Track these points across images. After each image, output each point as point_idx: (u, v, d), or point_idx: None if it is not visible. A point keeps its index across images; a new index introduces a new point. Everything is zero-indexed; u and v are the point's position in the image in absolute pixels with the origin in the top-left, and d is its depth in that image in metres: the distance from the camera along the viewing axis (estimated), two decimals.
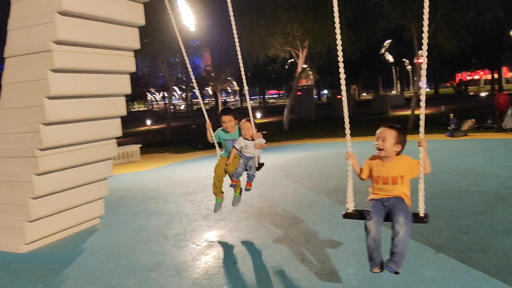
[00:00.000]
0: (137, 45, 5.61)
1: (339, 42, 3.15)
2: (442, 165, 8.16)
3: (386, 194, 2.99)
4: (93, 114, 5.34)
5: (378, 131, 3.07)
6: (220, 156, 4.67)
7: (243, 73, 4.52)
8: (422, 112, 2.97)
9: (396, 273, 2.72)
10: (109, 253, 4.78)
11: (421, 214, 2.90)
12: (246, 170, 4.55)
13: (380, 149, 3.00)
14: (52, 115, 4.74)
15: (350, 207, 3.15)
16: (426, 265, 3.75)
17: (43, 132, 4.73)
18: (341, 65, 3.13)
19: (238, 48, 4.36)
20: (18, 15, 4.79)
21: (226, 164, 4.53)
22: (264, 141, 4.48)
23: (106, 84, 5.38)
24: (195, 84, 4.96)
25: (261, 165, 4.56)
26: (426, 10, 2.87)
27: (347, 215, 3.15)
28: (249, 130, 4.41)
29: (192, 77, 4.94)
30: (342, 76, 3.16)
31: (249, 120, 4.43)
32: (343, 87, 3.18)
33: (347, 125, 3.11)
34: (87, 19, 4.84)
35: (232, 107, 4.86)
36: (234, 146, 4.50)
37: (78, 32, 4.75)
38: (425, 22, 2.91)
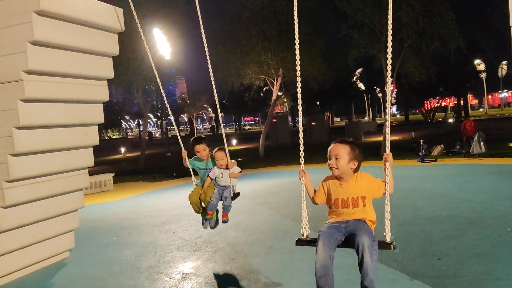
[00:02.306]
0: (110, 74, 5.59)
1: (298, 73, 3.43)
2: (414, 190, 8.33)
3: (345, 217, 2.70)
4: (64, 144, 5.23)
5: (329, 148, 2.79)
6: (195, 185, 4.64)
7: (217, 100, 4.65)
8: (387, 125, 2.84)
9: None
10: (82, 287, 4.58)
11: (388, 240, 2.65)
12: (221, 200, 4.46)
13: (334, 168, 2.72)
14: (21, 145, 4.61)
15: (305, 232, 2.91)
16: None
17: (11, 163, 4.58)
18: (299, 90, 3.37)
19: (211, 76, 4.50)
20: None
21: (201, 193, 4.48)
22: (239, 169, 4.42)
23: (78, 113, 5.30)
24: (169, 112, 4.98)
25: (236, 195, 4.46)
26: (389, 39, 2.92)
27: (300, 242, 2.89)
28: (223, 160, 4.34)
29: (167, 104, 4.98)
30: (300, 104, 3.39)
31: (223, 149, 4.36)
32: (300, 108, 3.40)
33: (301, 141, 3.07)
34: (59, 49, 4.80)
35: (203, 135, 4.82)
36: (208, 176, 4.45)
37: (50, 61, 4.70)
38: (389, 50, 2.94)
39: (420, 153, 14.05)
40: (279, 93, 23.07)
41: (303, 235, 2.90)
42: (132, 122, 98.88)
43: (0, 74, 4.59)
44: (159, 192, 11.71)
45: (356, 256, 2.59)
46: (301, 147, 2.98)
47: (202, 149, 4.47)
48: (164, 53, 18.02)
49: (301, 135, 3.19)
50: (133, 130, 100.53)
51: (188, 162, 4.60)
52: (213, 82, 4.50)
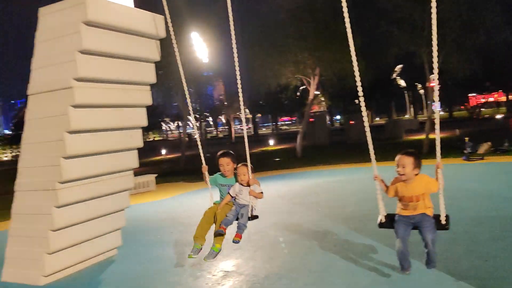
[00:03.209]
0: (153, 79, 5.81)
1: (356, 68, 3.78)
2: (459, 190, 8.05)
3: (412, 211, 3.59)
4: (111, 147, 5.50)
5: (397, 159, 3.62)
6: (214, 203, 4.44)
7: (242, 108, 4.42)
8: (437, 137, 3.60)
9: (434, 267, 3.62)
10: (128, 284, 4.81)
11: (443, 222, 3.55)
12: (237, 219, 4.24)
13: (401, 175, 3.57)
14: (72, 148, 4.90)
15: (383, 218, 3.75)
16: None
17: (63, 165, 4.88)
18: (359, 89, 3.71)
19: (238, 76, 4.40)
20: (41, 54, 5.04)
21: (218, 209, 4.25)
22: (260, 190, 4.20)
23: (124, 117, 5.56)
24: (191, 112, 4.99)
25: (254, 217, 4.23)
26: (434, 36, 3.26)
27: (381, 225, 3.78)
28: (245, 176, 4.15)
29: (190, 108, 5.03)
30: (362, 101, 3.73)
31: (246, 165, 4.17)
32: (364, 113, 3.77)
33: (371, 150, 3.69)
34: (106, 56, 5.06)
35: (231, 151, 4.52)
36: (228, 193, 4.27)
37: (97, 69, 4.97)
38: (434, 48, 3.50)
39: (465, 151, 13.50)
40: (316, 92, 22.91)
41: (382, 220, 3.76)
42: (172, 124, 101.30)
43: (52, 82, 4.91)
44: (199, 192, 11.96)
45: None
46: (372, 156, 3.70)
47: (225, 163, 4.28)
48: (202, 56, 18.38)
49: (370, 145, 3.74)
50: (173, 131, 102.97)
51: (208, 179, 4.41)
52: (239, 84, 4.40)
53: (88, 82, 4.93)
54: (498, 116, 41.51)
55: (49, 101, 4.96)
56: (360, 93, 3.68)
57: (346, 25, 3.65)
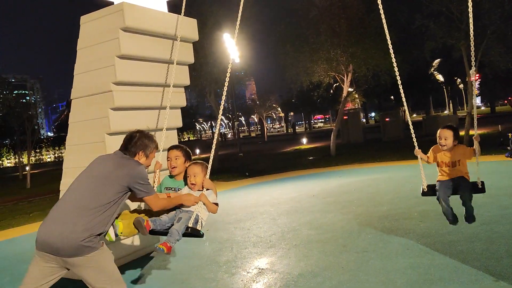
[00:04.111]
0: (187, 81, 5.97)
1: (395, 64, 4.22)
2: (500, 188, 7.75)
3: (450, 175, 4.05)
4: None
5: (438, 132, 4.15)
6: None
7: (221, 107, 4.06)
8: (474, 109, 4.23)
9: (473, 220, 4.01)
10: (166, 279, 4.99)
11: (479, 186, 3.96)
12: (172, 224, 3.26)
13: (443, 145, 4.07)
14: (113, 149, 5.12)
15: (425, 187, 4.12)
16: None
17: None
18: (399, 84, 4.22)
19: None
20: (82, 61, 5.31)
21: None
22: (215, 199, 3.25)
23: (160, 119, 5.75)
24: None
25: (195, 232, 3.12)
26: (471, 29, 3.45)
27: (424, 193, 4.13)
28: (197, 177, 3.28)
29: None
30: (403, 98, 4.17)
31: (201, 164, 3.38)
32: (406, 109, 4.77)
33: (413, 135, 4.11)
34: (142, 61, 5.26)
35: (184, 146, 3.86)
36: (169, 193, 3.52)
37: (135, 73, 5.18)
38: (472, 42, 3.71)
39: (508, 148, 12.92)
40: (350, 89, 22.59)
41: (425, 189, 4.12)
42: (205, 124, 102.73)
43: (93, 86, 5.16)
44: (233, 191, 12.14)
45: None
46: (413, 135, 4.14)
47: (173, 157, 3.55)
48: (234, 56, 18.58)
49: (411, 127, 4.16)
50: (207, 131, 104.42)
51: (157, 181, 3.68)
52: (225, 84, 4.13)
53: (126, 86, 5.14)
54: None
55: (90, 105, 5.22)
56: (401, 89, 4.19)
57: (382, 20, 3.80)
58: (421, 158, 4.19)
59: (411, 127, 4.16)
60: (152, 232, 3.25)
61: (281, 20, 20.65)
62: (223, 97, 5.12)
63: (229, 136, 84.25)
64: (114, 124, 5.08)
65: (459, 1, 14.28)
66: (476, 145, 3.93)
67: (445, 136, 4.09)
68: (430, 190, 4.12)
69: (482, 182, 3.97)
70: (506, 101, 55.88)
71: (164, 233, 3.23)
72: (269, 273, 4.80)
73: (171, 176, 3.69)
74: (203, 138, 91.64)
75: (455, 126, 4.20)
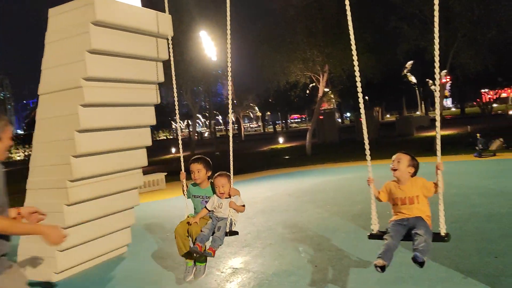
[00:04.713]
0: (161, 78, 5.85)
1: (356, 68, 3.49)
2: (470, 187, 7.96)
3: (406, 215, 3.24)
4: (120, 145, 5.56)
5: (394, 156, 3.42)
6: (187, 216, 3.92)
7: (230, 107, 4.38)
8: (437, 136, 3.19)
9: (422, 263, 2.84)
10: (137, 281, 4.87)
11: (442, 233, 3.09)
12: (213, 233, 3.70)
13: (395, 169, 3.32)
14: (82, 147, 4.97)
15: (375, 228, 3.37)
16: None
17: (73, 164, 4.95)
18: (359, 88, 3.50)
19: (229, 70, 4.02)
20: (51, 55, 5.11)
21: (189, 223, 3.74)
22: (242, 202, 3.72)
23: (132, 116, 5.61)
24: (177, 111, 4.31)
25: (233, 233, 3.69)
26: (436, 29, 3.24)
27: (372, 236, 3.39)
28: (224, 187, 3.66)
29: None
30: (361, 98, 3.54)
31: (225, 175, 3.71)
32: (362, 111, 3.55)
33: (367, 151, 3.43)
34: (114, 56, 5.12)
35: (205, 157, 4.04)
36: (205, 207, 3.78)
37: (106, 68, 5.03)
38: (436, 41, 3.28)
39: (477, 148, 13.34)
40: (326, 90, 22.81)
41: (373, 230, 3.38)
42: (181, 123, 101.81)
43: (62, 81, 4.98)
44: None
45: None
46: (368, 157, 3.43)
47: (196, 170, 3.80)
48: (211, 54, 18.44)
49: (367, 146, 3.43)
50: (183, 130, 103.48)
51: (186, 189, 3.92)
52: (229, 82, 4.46)
53: (96, 82, 4.99)
54: (511, 112, 40.87)
55: (59, 101, 5.04)
56: (359, 89, 3.51)
57: (355, 21, 3.49)
58: (372, 193, 3.40)
59: (365, 131, 3.47)
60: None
61: (258, 19, 20.66)
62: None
63: (206, 135, 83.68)
64: (84, 121, 4.91)
65: (432, 5, 14.62)
66: (439, 177, 3.11)
67: (398, 159, 3.33)
68: (381, 235, 3.31)
69: (447, 234, 3.09)
70: (475, 103, 57.69)
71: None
72: (243, 272, 4.75)
73: (194, 184, 3.94)
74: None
75: (414, 156, 3.37)
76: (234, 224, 3.73)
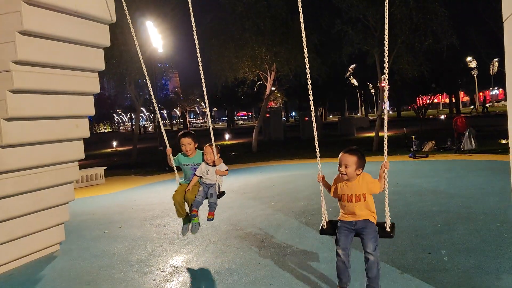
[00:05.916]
0: (101, 66, 5.52)
1: (307, 65, 3.60)
2: (405, 185, 8.38)
3: (353, 217, 3.34)
4: (54, 136, 5.16)
5: (340, 157, 3.38)
6: (179, 184, 4.64)
7: (205, 94, 4.69)
8: (385, 134, 3.34)
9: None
10: (69, 281, 4.55)
11: (388, 229, 3.32)
12: (206, 198, 4.51)
13: (343, 175, 3.35)
14: (10, 137, 4.55)
15: (325, 224, 3.53)
16: (391, 286, 3.78)
17: None
18: (309, 87, 3.58)
19: (201, 69, 4.58)
20: None
21: (185, 191, 4.48)
22: (225, 167, 4.47)
23: (69, 105, 5.24)
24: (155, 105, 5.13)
25: (221, 194, 4.53)
26: (386, 36, 3.22)
27: (322, 231, 3.56)
28: (211, 155, 4.40)
29: (154, 98, 5.06)
30: (311, 96, 3.62)
31: (211, 145, 4.42)
32: (313, 113, 3.66)
33: (317, 149, 3.59)
34: (49, 39, 4.73)
35: (192, 131, 4.84)
36: (195, 174, 4.47)
37: (39, 52, 4.63)
38: (386, 47, 3.35)
39: (411, 149, 14.13)
40: (273, 88, 23.03)
41: (324, 226, 3.53)
42: (124, 116, 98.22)
43: None
44: (150, 186, 11.65)
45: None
46: (318, 155, 3.67)
47: (186, 143, 4.47)
48: (157, 46, 17.87)
49: (316, 144, 3.71)
50: (125, 124, 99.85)
51: (172, 160, 4.59)
52: (202, 77, 4.59)
53: (28, 66, 4.58)
54: (442, 117, 43.89)
55: None
56: (310, 91, 3.64)
57: (301, 23, 3.57)
58: (323, 186, 3.56)
59: (315, 129, 3.72)
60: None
61: (207, 13, 20.33)
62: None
63: (149, 129, 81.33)
64: (13, 108, 4.50)
65: (375, 11, 15.22)
66: (385, 175, 3.30)
67: (345, 163, 3.28)
68: (331, 229, 3.49)
69: (392, 225, 3.31)
70: (410, 107, 61.20)
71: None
72: (184, 271, 4.61)
73: (184, 155, 4.56)
74: (121, 130, 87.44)
75: (360, 151, 3.40)
76: (220, 186, 4.48)
